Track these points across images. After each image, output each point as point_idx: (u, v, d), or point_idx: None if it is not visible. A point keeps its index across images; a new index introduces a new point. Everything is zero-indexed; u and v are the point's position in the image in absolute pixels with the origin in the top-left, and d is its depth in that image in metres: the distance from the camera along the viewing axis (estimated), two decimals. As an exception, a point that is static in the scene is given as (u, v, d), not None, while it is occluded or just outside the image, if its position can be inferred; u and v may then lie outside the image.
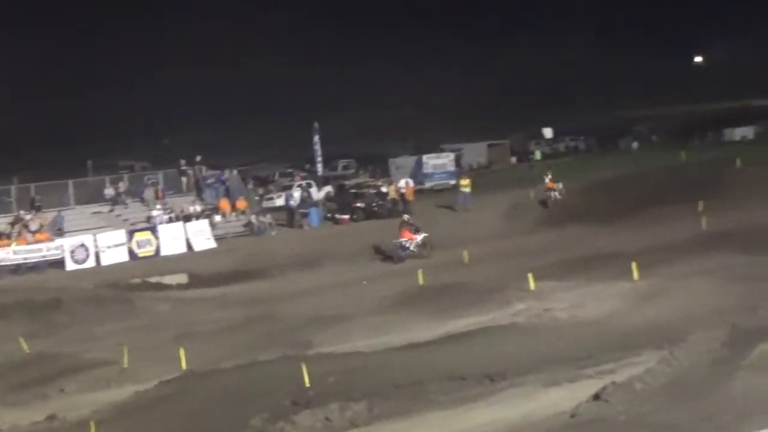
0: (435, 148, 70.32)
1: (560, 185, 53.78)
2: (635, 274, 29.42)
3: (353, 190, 57.27)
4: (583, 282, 30.69)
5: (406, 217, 45.04)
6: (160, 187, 54.89)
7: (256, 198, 58.96)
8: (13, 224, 47.36)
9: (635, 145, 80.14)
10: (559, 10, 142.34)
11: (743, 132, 79.80)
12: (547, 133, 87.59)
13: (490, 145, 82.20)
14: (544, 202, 51.54)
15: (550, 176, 54.42)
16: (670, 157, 62.95)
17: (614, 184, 53.87)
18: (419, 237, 42.81)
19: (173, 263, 45.46)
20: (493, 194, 55.53)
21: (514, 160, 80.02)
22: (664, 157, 63.50)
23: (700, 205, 43.69)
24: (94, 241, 46.29)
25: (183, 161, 58.24)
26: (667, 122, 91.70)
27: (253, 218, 51.93)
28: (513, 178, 64.49)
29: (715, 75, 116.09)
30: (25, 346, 29.80)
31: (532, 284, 29.96)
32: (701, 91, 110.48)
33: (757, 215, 40.42)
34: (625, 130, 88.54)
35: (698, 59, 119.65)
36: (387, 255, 43.43)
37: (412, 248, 42.35)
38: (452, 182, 59.24)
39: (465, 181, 54.50)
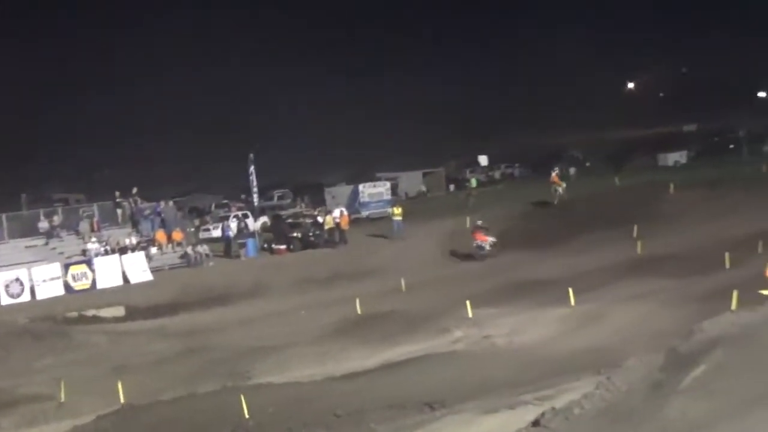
0: (371, 177, 70.44)
1: (564, 184, 57.23)
2: (572, 300, 29.80)
3: (289, 220, 57.16)
4: (520, 308, 31.00)
5: (479, 222, 47.96)
6: (96, 219, 54.21)
7: (193, 229, 58.56)
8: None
9: (572, 170, 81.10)
10: (492, 36, 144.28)
11: (676, 157, 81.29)
12: (483, 160, 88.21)
13: (425, 174, 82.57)
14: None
15: (557, 171, 58.92)
16: (604, 182, 63.86)
17: (549, 210, 54.58)
18: (490, 239, 46.68)
19: (109, 296, 44.94)
20: (429, 222, 55.79)
21: (451, 187, 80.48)
22: (598, 183, 64.37)
23: (635, 230, 44.36)
24: (29, 275, 45.62)
25: (118, 193, 57.68)
26: (601, 148, 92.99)
27: (189, 249, 51.63)
28: (449, 205, 64.82)
29: (648, 101, 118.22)
30: (-41, 382, 29.28)
31: (470, 311, 30.16)
32: (634, 117, 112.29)
33: (690, 239, 41.30)
34: (559, 156, 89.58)
35: (631, 85, 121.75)
36: (467, 254, 46.75)
37: (488, 247, 46.32)
38: (389, 211, 59.47)
39: (397, 210, 54.69)
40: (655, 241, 41.71)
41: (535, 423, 15.61)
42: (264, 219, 62.33)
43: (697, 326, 21.12)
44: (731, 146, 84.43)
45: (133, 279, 47.90)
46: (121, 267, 48.15)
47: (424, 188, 78.65)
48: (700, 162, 77.70)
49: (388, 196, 63.64)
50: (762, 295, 24.23)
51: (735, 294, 24.62)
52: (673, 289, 31.13)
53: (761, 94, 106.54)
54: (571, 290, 30.13)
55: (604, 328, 26.00)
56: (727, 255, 34.35)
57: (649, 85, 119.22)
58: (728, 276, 31.55)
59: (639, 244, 41.26)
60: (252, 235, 55.69)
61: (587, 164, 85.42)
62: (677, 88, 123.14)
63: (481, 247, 46.63)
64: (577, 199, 56.54)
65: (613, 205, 51.79)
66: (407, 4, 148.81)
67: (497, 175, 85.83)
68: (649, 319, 26.06)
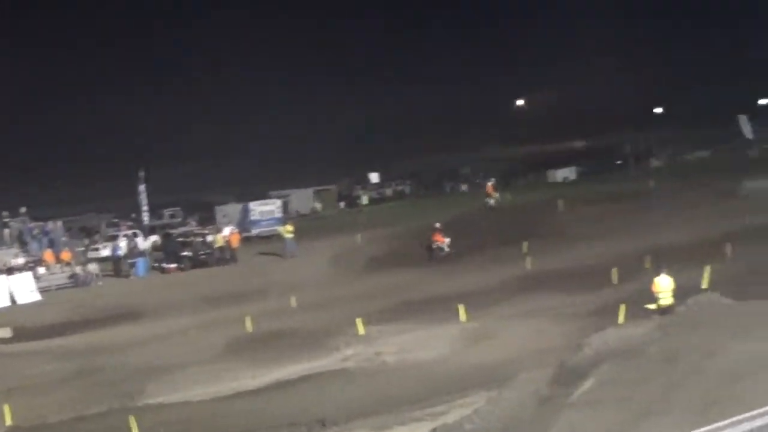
0: (262, 195, 70.20)
1: (497, 194, 59.42)
2: (463, 317, 30.06)
3: (180, 239, 56.55)
4: (412, 326, 31.11)
5: (437, 224, 49.64)
6: (-19, 239, 53.02)
7: (82, 249, 57.51)
8: None
9: (465, 187, 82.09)
10: (380, 55, 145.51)
11: (565, 173, 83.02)
12: (374, 177, 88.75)
13: (317, 191, 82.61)
14: (429, 248, 51.24)
15: (493, 181, 60.65)
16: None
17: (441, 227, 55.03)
18: (447, 239, 48.60)
19: (-4, 316, 43.78)
20: (321, 240, 55.78)
21: (342, 205, 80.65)
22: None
23: (525, 246, 44.98)
24: None
25: (5, 213, 56.35)
26: (492, 165, 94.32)
27: (78, 269, 50.73)
28: (341, 223, 64.91)
29: (538, 117, 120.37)
30: None
31: (361, 329, 30.18)
32: (524, 134, 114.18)
33: (580, 255, 42.08)
34: (451, 173, 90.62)
35: (520, 102, 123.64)
36: (430, 254, 48.42)
37: (446, 248, 48.28)
38: (280, 229, 59.30)
39: (288, 228, 54.59)
40: (545, 257, 42.36)
41: (428, 439, 15.74)
42: (154, 238, 61.63)
43: (586, 341, 21.68)
44: (619, 162, 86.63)
45: (21, 300, 46.78)
46: (8, 287, 46.98)
47: (317, 205, 78.71)
48: (588, 178, 79.44)
49: (279, 214, 63.48)
50: (648, 309, 24.89)
51: (622, 309, 25.15)
52: (563, 305, 31.66)
53: (657, 110, 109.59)
54: (462, 307, 30.38)
55: (495, 344, 26.29)
56: (615, 270, 35.09)
57: (539, 102, 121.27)
58: (616, 291, 32.23)
59: (529, 260, 41.84)
60: (142, 254, 54.98)
61: (478, 181, 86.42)
62: (566, 105, 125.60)
63: (441, 249, 48.41)
64: (469, 216, 57.16)
65: (504, 222, 52.48)
66: (292, 20, 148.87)
67: (389, 192, 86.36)
68: (539, 335, 26.45)
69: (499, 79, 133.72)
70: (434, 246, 48.61)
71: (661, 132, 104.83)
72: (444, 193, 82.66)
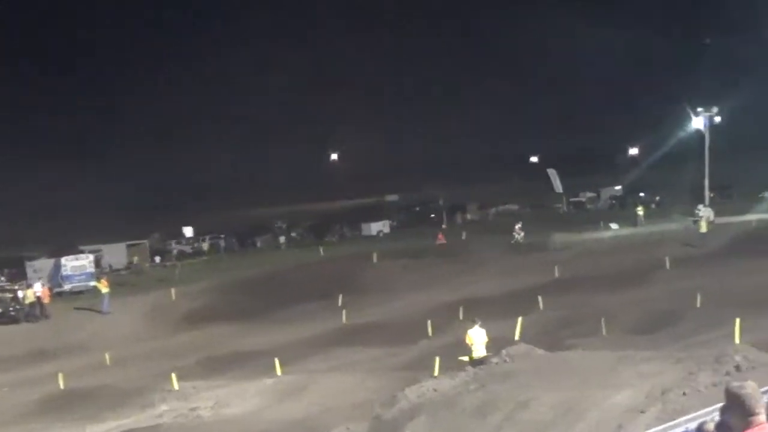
0: (73, 250, 68.29)
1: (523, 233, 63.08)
2: (278, 370, 29.91)
3: (-11, 295, 54.28)
4: (227, 380, 30.85)
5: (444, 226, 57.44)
6: None
7: None
8: None
9: (282, 239, 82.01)
10: (191, 109, 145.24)
11: (379, 227, 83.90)
12: (188, 231, 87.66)
13: (129, 245, 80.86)
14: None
15: (520, 224, 64.34)
16: (309, 253, 64.97)
17: (255, 281, 54.69)
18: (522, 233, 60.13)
19: None
20: (134, 295, 54.58)
21: (157, 259, 79.17)
22: (304, 254, 65.44)
23: (340, 300, 45.26)
24: None
25: None
26: (306, 219, 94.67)
27: None
28: (155, 277, 63.72)
29: (351, 171, 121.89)
30: None
31: (175, 384, 29.65)
32: (337, 188, 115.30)
33: (395, 308, 42.70)
34: (264, 227, 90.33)
35: (334, 156, 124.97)
36: None
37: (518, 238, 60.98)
38: (92, 284, 57.76)
39: (102, 283, 53.37)
40: (360, 310, 42.77)
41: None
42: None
43: (401, 394, 21.85)
44: (432, 216, 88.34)
45: None
46: None
47: (134, 260, 77.05)
48: (402, 232, 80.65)
49: (91, 269, 61.84)
50: (462, 361, 25.33)
51: (437, 361, 25.53)
52: (378, 357, 31.98)
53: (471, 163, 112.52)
54: (277, 361, 30.25)
55: (310, 398, 26.21)
56: (429, 322, 35.68)
57: (352, 155, 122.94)
58: (431, 343, 32.81)
59: (344, 313, 42.09)
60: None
61: (293, 234, 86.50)
62: (379, 159, 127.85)
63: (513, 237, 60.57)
64: (284, 269, 57.17)
65: (318, 276, 52.71)
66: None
67: (204, 246, 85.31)
68: (355, 388, 26.52)
69: (312, 132, 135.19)
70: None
71: (474, 186, 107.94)
72: (257, 247, 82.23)
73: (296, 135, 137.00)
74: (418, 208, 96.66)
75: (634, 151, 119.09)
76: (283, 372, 30.01)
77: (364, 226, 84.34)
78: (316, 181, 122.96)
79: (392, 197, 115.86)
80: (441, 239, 65.17)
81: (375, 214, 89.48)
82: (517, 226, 63.98)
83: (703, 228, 52.92)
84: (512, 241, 61.63)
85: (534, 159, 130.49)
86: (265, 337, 39.43)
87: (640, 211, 69.26)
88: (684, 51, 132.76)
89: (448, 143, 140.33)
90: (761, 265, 40.20)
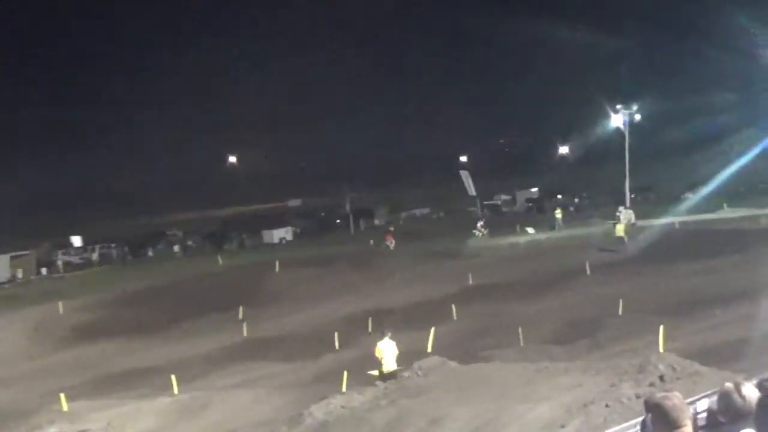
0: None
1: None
2: (176, 388, 29.57)
3: None
4: (120, 400, 30.32)
5: (391, 228, 64.65)
6: None
7: None
8: None
9: (177, 248, 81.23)
10: (75, 109, 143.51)
11: (282, 234, 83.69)
12: (76, 241, 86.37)
13: (13, 257, 79.27)
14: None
15: (482, 222, 68.70)
16: (208, 262, 64.41)
17: (149, 294, 54.03)
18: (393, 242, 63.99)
19: None
20: (18, 310, 53.45)
21: (44, 271, 77.73)
22: (201, 264, 64.86)
23: (241, 312, 44.95)
24: None
25: None
26: (203, 226, 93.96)
27: None
28: (41, 291, 62.52)
29: (251, 175, 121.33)
30: None
31: (64, 405, 29.10)
32: (237, 193, 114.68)
33: (300, 320, 42.53)
34: (158, 235, 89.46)
35: (233, 159, 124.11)
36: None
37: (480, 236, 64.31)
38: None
39: (-13, 297, 52.45)
40: (263, 323, 42.53)
41: None
42: None
43: (307, 411, 21.78)
44: (338, 221, 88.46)
45: None
46: None
47: (18, 272, 75.51)
48: (306, 239, 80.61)
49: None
50: (371, 375, 25.38)
51: (345, 375, 25.51)
52: (282, 373, 31.83)
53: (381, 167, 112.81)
54: (174, 378, 29.90)
55: (210, 417, 25.96)
56: (336, 335, 35.65)
57: (252, 158, 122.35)
58: (338, 357, 32.80)
59: (246, 326, 41.80)
60: None
61: (189, 243, 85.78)
62: (280, 161, 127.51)
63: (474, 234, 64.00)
64: (181, 280, 56.57)
65: (217, 287, 52.31)
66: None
67: (94, 256, 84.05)
68: (258, 406, 26.36)
69: (209, 134, 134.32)
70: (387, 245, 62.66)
71: (383, 190, 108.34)
72: (150, 256, 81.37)
73: (192, 138, 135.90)
74: (323, 214, 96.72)
75: (553, 152, 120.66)
76: (180, 390, 29.66)
77: (265, 233, 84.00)
78: (214, 186, 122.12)
79: (295, 202, 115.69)
80: (389, 240, 65.63)
81: (277, 221, 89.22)
82: (480, 224, 65.31)
83: (620, 232, 52.98)
84: (474, 237, 64.88)
85: (447, 161, 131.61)
86: (161, 353, 38.94)
87: (558, 214, 70.26)
88: (608, 52, 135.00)
89: (355, 145, 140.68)
90: (686, 269, 41.07)
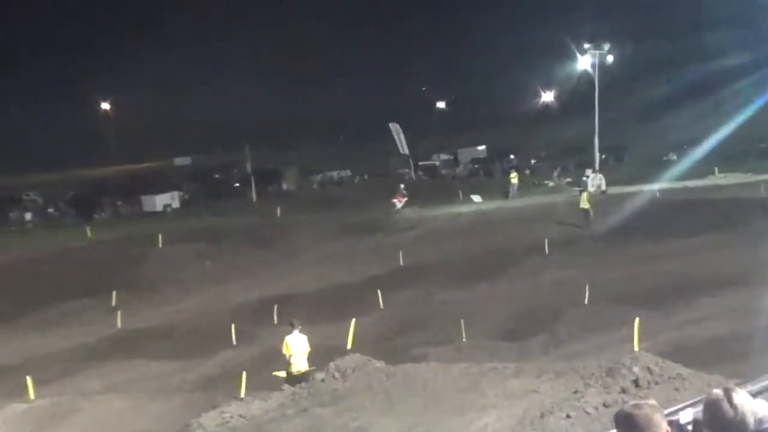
0: None
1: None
2: (32, 393, 29.33)
3: None
4: (-40, 408, 30.05)
5: (402, 186, 68.53)
6: None
7: None
8: None
9: (29, 216, 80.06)
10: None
11: (166, 200, 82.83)
12: None
13: None
14: None
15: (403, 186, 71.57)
16: (73, 235, 63.67)
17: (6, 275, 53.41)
18: (404, 200, 66.27)
19: None
20: None
21: None
22: (65, 236, 64.04)
23: (114, 298, 44.56)
24: None
25: None
26: (68, 189, 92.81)
27: None
28: None
29: (129, 128, 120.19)
30: None
31: None
32: (111, 149, 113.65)
33: (185, 308, 42.34)
34: (13, 200, 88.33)
35: (105, 107, 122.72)
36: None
37: (399, 205, 65.83)
38: None
39: None
40: (141, 311, 42.29)
41: None
42: None
43: (196, 422, 21.72)
44: (237, 185, 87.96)
45: None
46: None
47: None
48: (197, 206, 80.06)
49: None
50: (277, 377, 25.35)
51: (243, 377, 25.48)
52: (165, 374, 31.70)
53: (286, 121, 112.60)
54: (30, 380, 29.63)
55: (75, 428, 25.79)
56: (233, 327, 35.55)
57: (130, 108, 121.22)
58: (236, 354, 32.74)
59: (120, 316, 41.49)
60: None
61: (50, 210, 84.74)
62: (165, 112, 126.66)
63: (393, 205, 65.62)
64: (37, 257, 55.84)
65: (85, 266, 51.64)
66: None
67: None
68: (135, 414, 26.21)
69: (77, 80, 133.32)
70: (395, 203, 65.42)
71: (294, 147, 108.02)
72: (6, 225, 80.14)
73: (56, 83, 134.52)
74: (217, 176, 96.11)
75: (506, 103, 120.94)
76: (38, 395, 29.44)
77: (145, 199, 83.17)
78: (82, 140, 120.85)
79: (183, 161, 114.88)
80: (400, 199, 66.35)
81: (160, 184, 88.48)
82: (401, 188, 65.79)
83: (585, 203, 52.91)
84: (393, 209, 64.34)
85: (377, 114, 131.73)
86: (13, 349, 38.51)
87: (514, 178, 70.31)
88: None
89: (259, 95, 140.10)
90: (666, 248, 41.48)
